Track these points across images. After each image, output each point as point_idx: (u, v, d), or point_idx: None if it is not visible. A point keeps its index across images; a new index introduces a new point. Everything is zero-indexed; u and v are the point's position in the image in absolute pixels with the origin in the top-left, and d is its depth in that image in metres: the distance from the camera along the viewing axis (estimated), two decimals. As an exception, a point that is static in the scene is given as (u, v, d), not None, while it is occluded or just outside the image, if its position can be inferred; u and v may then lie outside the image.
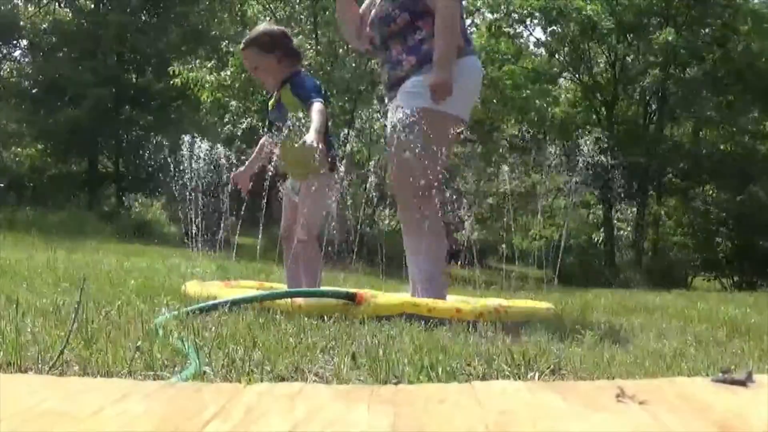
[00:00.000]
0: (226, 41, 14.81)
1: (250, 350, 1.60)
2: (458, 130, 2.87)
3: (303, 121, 2.95)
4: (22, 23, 19.18)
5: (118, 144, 18.67)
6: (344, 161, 3.21)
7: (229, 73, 13.39)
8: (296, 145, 2.78)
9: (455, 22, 2.85)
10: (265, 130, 3.31)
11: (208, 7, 18.47)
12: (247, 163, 3.35)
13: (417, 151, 2.70)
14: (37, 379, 1.05)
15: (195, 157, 3.63)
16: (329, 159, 3.05)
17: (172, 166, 3.68)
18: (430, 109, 2.78)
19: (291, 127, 3.00)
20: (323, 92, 3.13)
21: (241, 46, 3.27)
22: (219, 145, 3.95)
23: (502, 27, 17.49)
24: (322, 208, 3.12)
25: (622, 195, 16.36)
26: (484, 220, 13.83)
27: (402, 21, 2.89)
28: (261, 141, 3.37)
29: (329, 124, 3.21)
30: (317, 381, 1.49)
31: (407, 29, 2.89)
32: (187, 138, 3.68)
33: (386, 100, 3.15)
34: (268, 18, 13.60)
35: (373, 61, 11.38)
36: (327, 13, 12.99)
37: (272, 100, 3.25)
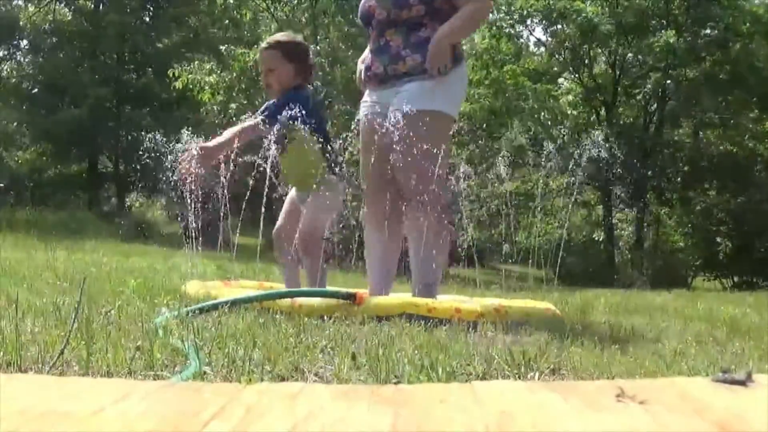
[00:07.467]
0: (226, 45, 14.77)
1: (250, 350, 1.60)
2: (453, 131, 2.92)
3: (301, 133, 2.94)
4: (22, 23, 19.18)
5: (118, 144, 18.66)
6: (344, 162, 3.20)
7: (230, 74, 13.37)
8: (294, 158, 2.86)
9: (479, 22, 2.86)
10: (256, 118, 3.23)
11: (208, 9, 18.46)
12: (217, 140, 3.05)
13: (429, 152, 2.64)
14: (37, 379, 1.05)
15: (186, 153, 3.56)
16: (332, 166, 3.08)
17: (169, 163, 3.64)
18: (440, 112, 2.79)
19: (292, 139, 3.01)
20: (312, 113, 2.96)
21: (265, 45, 3.19)
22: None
23: (502, 27, 17.47)
24: (328, 211, 3.11)
25: (623, 195, 16.34)
26: (487, 221, 13.81)
27: (415, 11, 2.74)
28: (245, 126, 3.13)
29: (328, 127, 3.21)
30: (317, 381, 1.49)
31: (413, 22, 2.76)
32: (184, 135, 3.63)
33: (366, 91, 2.99)
34: (269, 20, 13.58)
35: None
36: (326, 14, 12.98)
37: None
